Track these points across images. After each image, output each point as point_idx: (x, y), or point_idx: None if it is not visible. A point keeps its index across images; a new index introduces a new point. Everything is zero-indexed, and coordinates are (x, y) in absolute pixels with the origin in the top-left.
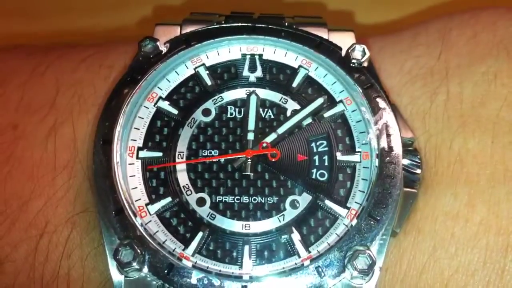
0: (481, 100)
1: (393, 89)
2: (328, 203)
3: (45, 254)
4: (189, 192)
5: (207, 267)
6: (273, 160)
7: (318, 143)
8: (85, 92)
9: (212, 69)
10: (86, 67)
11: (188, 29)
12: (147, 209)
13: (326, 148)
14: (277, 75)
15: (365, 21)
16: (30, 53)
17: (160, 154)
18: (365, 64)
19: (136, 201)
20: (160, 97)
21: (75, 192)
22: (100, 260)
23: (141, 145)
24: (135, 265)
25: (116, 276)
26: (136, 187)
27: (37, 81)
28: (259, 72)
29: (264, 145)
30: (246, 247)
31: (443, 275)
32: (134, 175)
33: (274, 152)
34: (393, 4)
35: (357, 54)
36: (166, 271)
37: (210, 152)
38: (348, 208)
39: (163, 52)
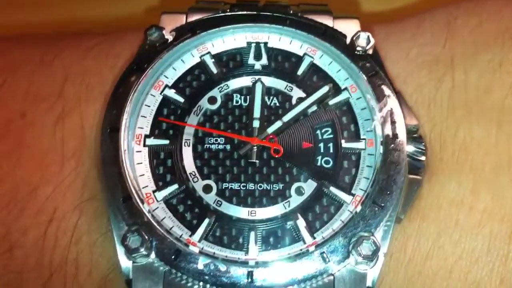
0: (486, 89)
1: (399, 76)
2: (333, 189)
3: (53, 240)
4: (195, 179)
5: (214, 253)
6: (276, 156)
7: (323, 131)
8: (92, 81)
9: (217, 57)
10: (93, 56)
11: (194, 17)
12: (154, 196)
13: (331, 136)
14: (282, 63)
15: (371, 9)
16: (37, 42)
17: (167, 141)
18: (370, 52)
19: (143, 188)
20: (167, 85)
21: (83, 180)
22: (108, 246)
23: (148, 132)
24: (142, 251)
25: (124, 262)
26: (143, 174)
27: (45, 69)
28: (264, 60)
29: (271, 138)
30: (252, 233)
31: (447, 262)
32: (141, 163)
33: (277, 148)
34: None
35: (361, 41)
36: (173, 257)
37: (216, 140)
38: (353, 195)
39: (169, 41)
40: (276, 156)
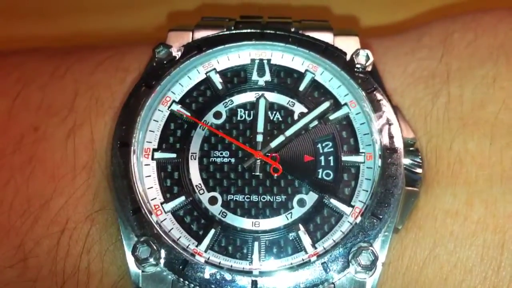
0: (480, 103)
1: (396, 90)
2: (333, 201)
3: (66, 249)
4: (201, 191)
5: (219, 263)
6: (275, 174)
7: (324, 144)
8: (102, 95)
9: (222, 74)
10: (103, 70)
11: (200, 33)
12: (162, 208)
13: (332, 149)
14: (285, 79)
15: (371, 23)
16: (49, 56)
17: (174, 155)
18: (369, 69)
19: (151, 200)
20: (174, 101)
21: (94, 191)
22: (118, 255)
23: (156, 146)
24: (151, 261)
25: (134, 270)
26: (151, 187)
27: (57, 83)
28: (267, 76)
29: (274, 156)
30: (256, 244)
31: (442, 270)
32: (150, 176)
33: (277, 167)
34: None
35: (361, 59)
36: (180, 267)
37: (221, 153)
38: (353, 207)
39: (176, 58)
40: (275, 175)
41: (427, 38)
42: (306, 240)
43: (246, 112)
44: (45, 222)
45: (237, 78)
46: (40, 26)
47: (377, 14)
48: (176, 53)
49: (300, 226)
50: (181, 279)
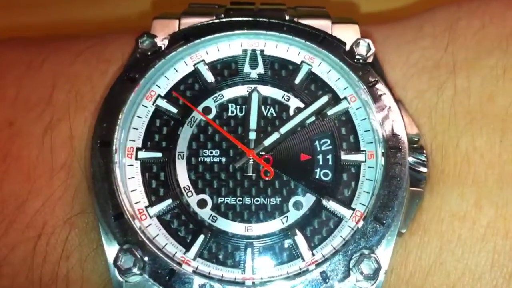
0: (489, 96)
1: (398, 82)
2: (332, 204)
3: (43, 256)
4: (190, 194)
5: (209, 273)
6: (266, 178)
7: (321, 142)
8: (82, 88)
9: (212, 66)
10: (83, 61)
11: (187, 21)
12: (147, 212)
13: (330, 147)
14: (279, 71)
15: (370, 9)
16: (26, 46)
17: (159, 154)
18: (370, 60)
19: (135, 203)
20: (159, 96)
21: (73, 193)
22: (99, 262)
23: (140, 145)
24: (135, 270)
25: (116, 279)
26: (135, 189)
27: (34, 75)
28: (260, 69)
29: (267, 158)
30: (249, 250)
31: (449, 278)
32: (133, 177)
33: (268, 171)
34: None
35: (361, 49)
36: (167, 277)
37: (211, 152)
38: (353, 210)
39: (161, 49)
40: (266, 178)
41: (430, 25)
42: (303, 246)
43: (238, 107)
44: (21, 226)
45: (227, 70)
46: (25, 15)
47: (376, 0)
48: (161, 43)
49: (297, 230)
50: None
